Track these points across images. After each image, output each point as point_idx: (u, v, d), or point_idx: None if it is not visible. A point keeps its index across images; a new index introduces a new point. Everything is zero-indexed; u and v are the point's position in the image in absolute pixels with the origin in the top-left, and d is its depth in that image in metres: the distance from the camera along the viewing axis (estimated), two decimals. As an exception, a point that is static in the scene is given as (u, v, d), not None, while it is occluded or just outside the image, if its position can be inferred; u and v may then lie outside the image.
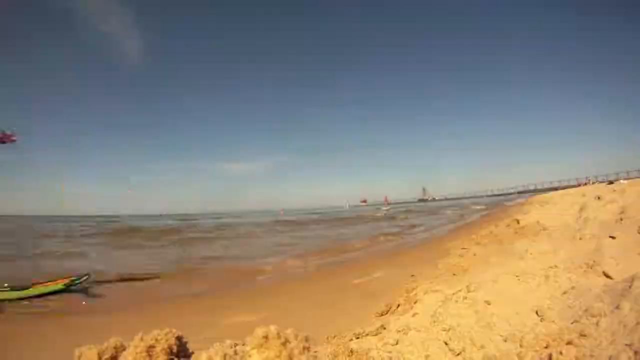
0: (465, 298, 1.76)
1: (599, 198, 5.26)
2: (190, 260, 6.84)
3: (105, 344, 0.95)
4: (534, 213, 5.85)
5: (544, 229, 3.97)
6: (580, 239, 2.75)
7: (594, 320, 1.22)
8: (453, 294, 1.89)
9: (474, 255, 3.02)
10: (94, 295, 4.53)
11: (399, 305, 1.97)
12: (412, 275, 3.13)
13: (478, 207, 18.91)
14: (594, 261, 1.92)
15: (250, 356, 0.91)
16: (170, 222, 22.65)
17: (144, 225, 18.23)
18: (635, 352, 0.97)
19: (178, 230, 12.80)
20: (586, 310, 1.30)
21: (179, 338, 0.98)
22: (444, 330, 1.48)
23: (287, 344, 0.86)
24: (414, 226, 11.24)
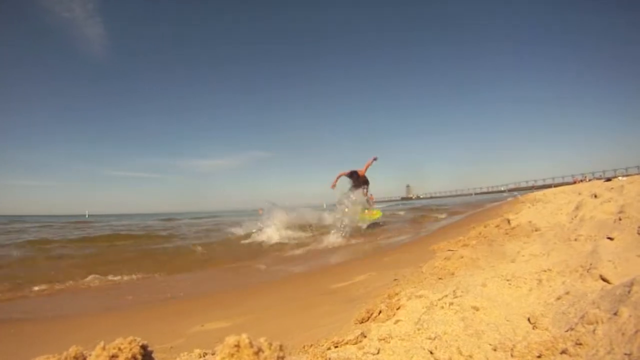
0: (451, 304, 1.77)
1: (595, 196, 5.43)
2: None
3: (65, 354, 0.92)
4: (526, 212, 5.98)
5: (537, 229, 4.05)
6: (576, 240, 2.83)
7: (591, 327, 1.24)
8: (439, 299, 1.90)
9: (462, 257, 3.06)
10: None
11: (380, 312, 1.97)
12: (395, 280, 3.15)
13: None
14: (591, 264, 1.97)
15: (221, 366, 0.89)
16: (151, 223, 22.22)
17: (116, 228, 17.64)
18: (635, 362, 0.99)
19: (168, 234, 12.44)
20: (582, 317, 1.33)
21: (144, 347, 0.96)
22: (429, 339, 1.49)
23: (260, 353, 0.84)
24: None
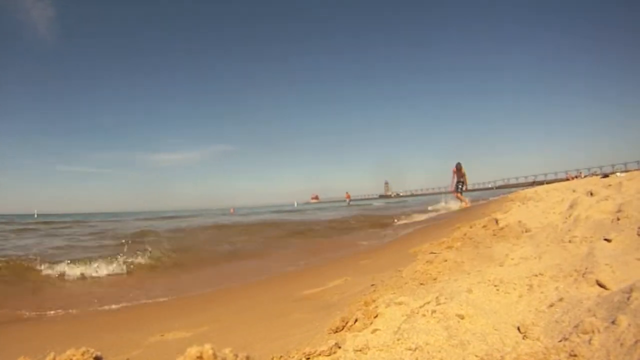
0: (434, 312, 1.79)
1: (591, 194, 5.59)
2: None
3: (11, 366, 0.90)
4: (515, 211, 6.11)
5: (527, 230, 4.14)
6: (570, 242, 2.89)
7: (586, 337, 1.27)
8: (420, 306, 1.92)
9: (445, 261, 3.10)
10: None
11: (356, 320, 1.96)
12: (373, 285, 3.17)
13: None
14: (586, 268, 2.01)
15: (181, 380, 0.87)
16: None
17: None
18: (634, 375, 1.01)
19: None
20: (577, 326, 1.35)
21: (97, 359, 0.93)
22: (410, 350, 1.49)
23: (226, 365, 0.83)
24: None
